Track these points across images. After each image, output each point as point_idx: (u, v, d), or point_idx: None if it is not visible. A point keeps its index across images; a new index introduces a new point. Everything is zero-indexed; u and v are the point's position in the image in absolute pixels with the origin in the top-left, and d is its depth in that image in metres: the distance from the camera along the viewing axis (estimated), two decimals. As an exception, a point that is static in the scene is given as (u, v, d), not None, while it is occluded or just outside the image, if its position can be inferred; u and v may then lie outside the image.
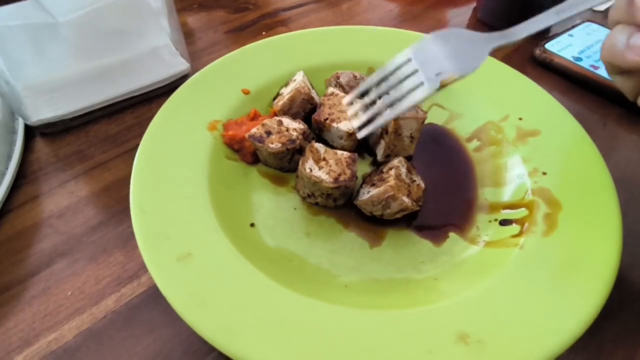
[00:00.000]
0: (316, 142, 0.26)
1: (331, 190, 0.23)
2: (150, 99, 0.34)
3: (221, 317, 0.18)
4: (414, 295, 0.20)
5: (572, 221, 0.22)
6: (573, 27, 0.41)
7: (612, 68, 0.20)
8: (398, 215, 0.24)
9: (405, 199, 0.23)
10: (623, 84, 0.20)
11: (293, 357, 0.17)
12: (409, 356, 0.17)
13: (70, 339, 0.21)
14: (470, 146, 0.29)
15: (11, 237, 0.25)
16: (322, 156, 0.24)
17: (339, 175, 0.23)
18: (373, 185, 0.24)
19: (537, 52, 0.38)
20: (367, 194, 0.24)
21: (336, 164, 0.24)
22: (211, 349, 0.20)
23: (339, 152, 0.25)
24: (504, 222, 0.24)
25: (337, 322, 0.18)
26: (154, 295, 0.22)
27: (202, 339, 0.20)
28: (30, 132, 0.31)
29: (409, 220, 0.25)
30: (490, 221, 0.24)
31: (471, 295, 0.19)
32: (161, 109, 0.27)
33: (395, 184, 0.23)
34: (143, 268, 0.23)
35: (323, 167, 0.24)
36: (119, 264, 0.24)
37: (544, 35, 0.43)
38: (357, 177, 0.24)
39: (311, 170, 0.23)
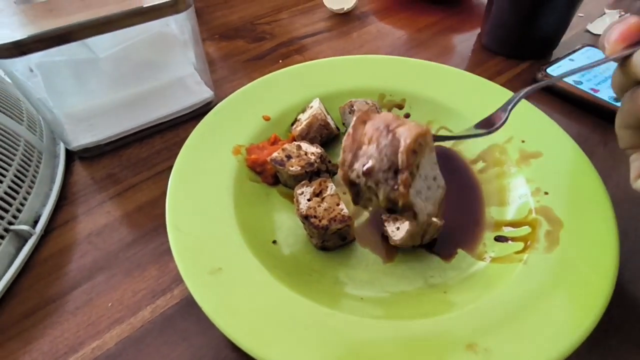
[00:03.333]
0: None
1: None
2: (177, 125, 0.37)
3: (249, 323, 0.20)
4: (425, 307, 0.22)
5: (573, 238, 0.23)
6: (574, 51, 0.43)
7: (637, 119, 0.20)
8: (435, 236, 0.26)
9: (435, 219, 0.24)
10: (625, 134, 0.21)
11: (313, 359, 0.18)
12: (422, 361, 0.18)
13: (111, 346, 0.23)
14: (476, 167, 0.31)
15: (55, 253, 0.27)
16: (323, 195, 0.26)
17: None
18: (397, 219, 0.25)
19: (539, 76, 0.40)
20: (400, 230, 0.25)
21: (325, 211, 0.25)
22: (238, 356, 0.22)
23: (338, 207, 0.25)
24: (501, 239, 0.25)
25: (354, 330, 0.20)
26: (186, 307, 0.24)
27: (230, 346, 0.22)
28: (70, 156, 0.34)
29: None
30: (495, 238, 0.26)
31: (478, 307, 0.21)
32: (191, 135, 0.30)
33: None
34: (175, 282, 0.25)
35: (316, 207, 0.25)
36: (153, 278, 0.26)
37: (546, 60, 0.45)
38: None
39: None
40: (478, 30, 0.51)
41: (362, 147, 0.20)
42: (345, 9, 0.53)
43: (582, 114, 0.38)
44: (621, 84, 0.20)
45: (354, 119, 0.21)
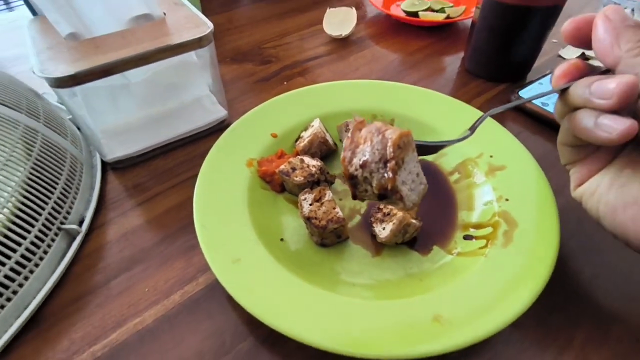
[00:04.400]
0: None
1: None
2: (197, 140, 0.43)
3: (263, 301, 0.25)
4: (404, 291, 0.27)
5: (524, 236, 0.29)
6: (543, 76, 0.49)
7: (574, 138, 0.24)
8: (414, 235, 0.31)
9: (414, 221, 0.30)
10: (565, 151, 0.26)
11: (314, 329, 0.24)
12: (397, 330, 0.24)
13: (150, 322, 0.28)
14: (452, 178, 0.36)
15: (98, 248, 0.33)
16: (322, 201, 0.31)
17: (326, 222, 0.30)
18: (382, 221, 0.31)
19: (512, 98, 0.46)
20: (385, 230, 0.30)
21: (324, 214, 0.30)
22: (252, 330, 0.27)
23: (334, 210, 0.30)
24: (467, 237, 0.31)
25: (346, 308, 0.25)
26: (209, 292, 0.29)
27: (245, 323, 0.27)
28: (104, 167, 0.40)
29: (403, 236, 0.32)
30: (464, 237, 0.31)
31: (446, 290, 0.26)
32: (211, 149, 0.35)
33: (403, 214, 0.30)
34: (200, 271, 0.31)
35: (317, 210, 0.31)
36: (181, 268, 0.31)
37: (520, 83, 0.51)
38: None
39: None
40: (462, 54, 0.57)
41: (359, 146, 0.25)
42: (343, 34, 0.59)
43: (548, 132, 0.43)
44: (561, 110, 0.25)
45: (352, 126, 0.26)
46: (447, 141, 0.28)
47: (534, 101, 0.45)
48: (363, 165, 0.25)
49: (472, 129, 0.28)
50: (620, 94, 0.20)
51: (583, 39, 0.23)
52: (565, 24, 0.24)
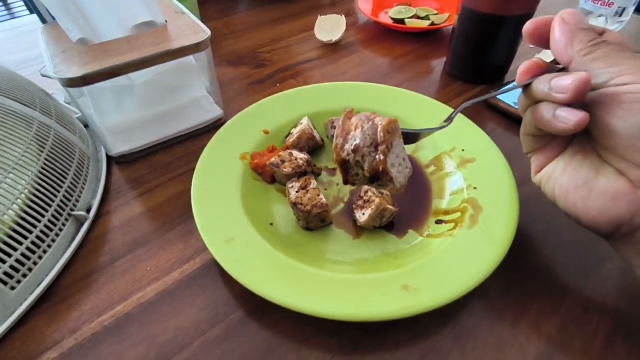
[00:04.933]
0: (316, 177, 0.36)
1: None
2: (194, 137, 0.46)
3: (253, 274, 0.28)
4: (379, 266, 0.31)
5: (487, 219, 0.32)
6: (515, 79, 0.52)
7: (535, 129, 0.27)
8: (391, 219, 0.34)
9: (390, 206, 0.33)
10: (526, 140, 0.29)
11: (299, 297, 0.27)
12: (370, 296, 0.27)
13: (152, 296, 0.31)
14: (428, 170, 0.40)
15: (104, 232, 0.36)
16: (307, 189, 0.34)
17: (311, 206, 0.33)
18: (362, 207, 0.34)
19: (488, 99, 0.50)
20: (364, 215, 0.33)
21: (309, 200, 0.33)
22: (242, 303, 0.30)
23: (318, 197, 0.33)
24: (438, 222, 0.34)
25: (327, 280, 0.29)
26: (205, 270, 0.33)
27: (236, 297, 0.31)
28: (109, 161, 0.43)
29: (381, 222, 0.35)
30: (436, 221, 0.35)
31: (415, 265, 0.30)
32: (208, 144, 0.39)
33: (380, 200, 0.33)
34: (197, 252, 0.34)
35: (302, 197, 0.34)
36: (180, 250, 0.34)
37: (497, 84, 0.54)
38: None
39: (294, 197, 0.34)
40: (445, 58, 0.61)
41: (350, 133, 0.27)
42: (333, 40, 0.63)
43: (518, 129, 0.47)
44: (524, 103, 0.28)
45: (342, 116, 0.28)
46: (428, 129, 0.31)
47: (506, 101, 0.48)
48: (355, 150, 0.27)
49: (449, 119, 0.30)
50: (575, 88, 0.23)
51: (542, 39, 0.26)
52: (526, 24, 0.26)
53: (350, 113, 0.28)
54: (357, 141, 0.26)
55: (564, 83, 0.23)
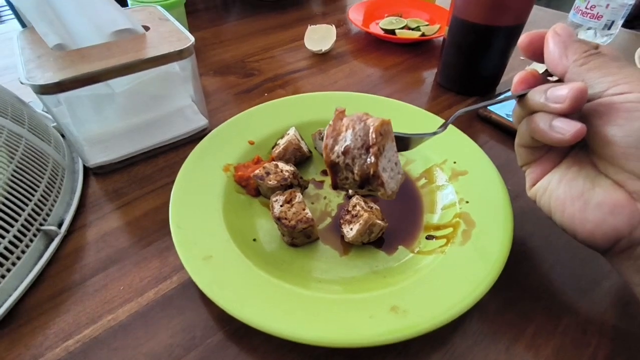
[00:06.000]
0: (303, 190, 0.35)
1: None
2: (177, 147, 0.44)
3: (232, 295, 0.26)
4: (368, 286, 0.29)
5: (480, 235, 0.31)
6: (508, 90, 0.52)
7: (530, 140, 0.26)
8: (379, 235, 0.32)
9: (379, 222, 0.31)
10: (521, 152, 0.28)
11: (281, 321, 0.25)
12: (358, 318, 0.25)
13: (123, 318, 0.29)
14: (419, 184, 0.38)
15: (77, 249, 0.34)
16: (292, 203, 0.32)
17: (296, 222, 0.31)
18: (350, 222, 0.32)
19: (480, 110, 0.49)
20: (352, 230, 0.32)
21: (294, 214, 0.31)
22: (221, 326, 0.28)
23: (304, 211, 0.31)
24: (429, 237, 0.32)
25: (312, 301, 0.27)
26: (182, 290, 0.30)
27: (215, 319, 0.29)
28: (86, 172, 0.41)
29: (370, 237, 0.33)
30: (427, 237, 0.33)
31: (405, 285, 0.28)
32: (190, 155, 0.37)
33: (368, 215, 0.31)
34: (174, 271, 0.32)
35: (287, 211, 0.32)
36: (156, 268, 0.32)
37: (489, 96, 0.54)
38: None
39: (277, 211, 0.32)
40: (436, 69, 0.60)
41: (340, 134, 0.26)
42: (323, 50, 0.62)
43: (511, 142, 0.45)
44: (519, 114, 0.27)
45: (334, 116, 0.27)
46: (421, 134, 0.29)
47: (499, 113, 0.48)
48: (345, 152, 0.25)
49: (444, 126, 0.29)
50: (572, 98, 0.22)
51: (536, 52, 0.26)
52: (520, 38, 0.26)
53: (342, 113, 0.27)
54: (348, 142, 0.25)
55: (561, 93, 0.23)
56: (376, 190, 0.26)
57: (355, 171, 0.26)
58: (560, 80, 0.25)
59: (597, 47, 0.24)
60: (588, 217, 0.24)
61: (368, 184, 0.26)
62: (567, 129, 0.23)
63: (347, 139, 0.25)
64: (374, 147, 0.24)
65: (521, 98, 0.26)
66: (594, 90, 0.23)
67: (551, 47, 0.25)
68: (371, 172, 0.25)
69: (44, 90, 0.32)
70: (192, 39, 0.38)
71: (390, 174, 0.26)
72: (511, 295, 0.30)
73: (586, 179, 0.25)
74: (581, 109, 0.23)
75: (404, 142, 0.29)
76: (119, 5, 0.40)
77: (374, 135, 0.24)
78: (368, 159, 0.25)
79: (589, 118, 0.23)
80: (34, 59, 0.35)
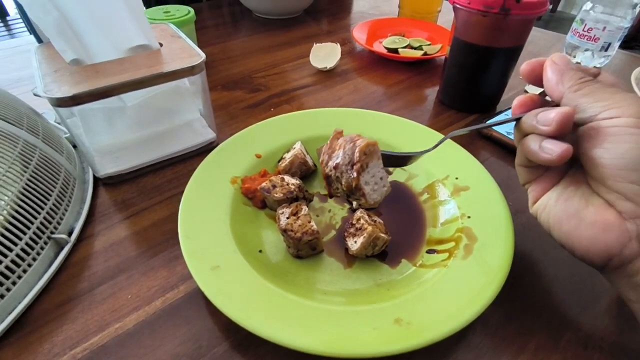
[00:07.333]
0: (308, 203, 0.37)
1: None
2: (185, 160, 0.45)
3: (239, 305, 0.27)
4: (371, 298, 0.29)
5: (482, 249, 0.31)
6: (508, 109, 0.53)
7: (527, 160, 0.27)
8: (383, 248, 0.33)
9: (383, 235, 0.32)
10: (521, 171, 0.30)
11: (287, 331, 0.25)
12: (362, 329, 0.26)
13: (131, 327, 0.29)
14: (422, 198, 0.39)
15: (85, 257, 0.34)
16: (299, 215, 0.33)
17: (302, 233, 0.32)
18: (355, 235, 0.33)
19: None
20: (356, 243, 0.32)
21: (300, 227, 0.32)
22: (228, 335, 0.29)
23: (310, 224, 0.32)
24: (431, 251, 0.33)
25: (317, 312, 0.27)
26: (189, 299, 0.31)
27: (222, 329, 0.29)
28: (96, 182, 0.42)
29: (374, 250, 0.34)
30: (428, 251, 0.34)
31: (408, 297, 0.28)
32: (198, 167, 0.38)
33: (372, 228, 0.32)
34: (181, 280, 0.32)
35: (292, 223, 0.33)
36: (164, 277, 0.33)
37: (489, 114, 0.55)
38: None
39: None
40: (438, 87, 0.62)
41: (334, 151, 0.31)
42: (328, 67, 0.64)
43: (512, 158, 0.46)
44: (517, 136, 0.28)
45: (332, 135, 0.32)
46: (410, 153, 0.33)
47: (500, 131, 0.49)
48: (335, 167, 0.31)
49: (435, 146, 0.32)
50: (558, 121, 0.24)
51: (537, 78, 0.28)
52: (522, 66, 0.28)
53: (339, 134, 0.32)
54: (339, 160, 0.31)
55: (549, 116, 0.25)
56: (359, 199, 0.31)
57: (343, 183, 0.31)
58: (558, 105, 0.26)
59: (596, 75, 0.26)
60: (583, 234, 0.25)
61: (352, 194, 0.31)
62: (554, 149, 0.24)
63: (338, 156, 0.31)
64: (357, 165, 0.30)
65: (519, 121, 0.28)
66: (586, 115, 0.24)
67: (549, 75, 0.26)
68: (353, 185, 0.30)
69: (60, 103, 0.33)
70: (203, 55, 0.40)
71: (373, 187, 0.31)
72: (513, 309, 0.30)
73: (581, 198, 0.26)
74: (569, 131, 0.25)
75: (398, 160, 0.33)
76: (141, 12, 0.41)
77: (357, 155, 0.30)
78: (352, 174, 0.30)
79: (580, 141, 0.25)
80: (50, 73, 0.36)
